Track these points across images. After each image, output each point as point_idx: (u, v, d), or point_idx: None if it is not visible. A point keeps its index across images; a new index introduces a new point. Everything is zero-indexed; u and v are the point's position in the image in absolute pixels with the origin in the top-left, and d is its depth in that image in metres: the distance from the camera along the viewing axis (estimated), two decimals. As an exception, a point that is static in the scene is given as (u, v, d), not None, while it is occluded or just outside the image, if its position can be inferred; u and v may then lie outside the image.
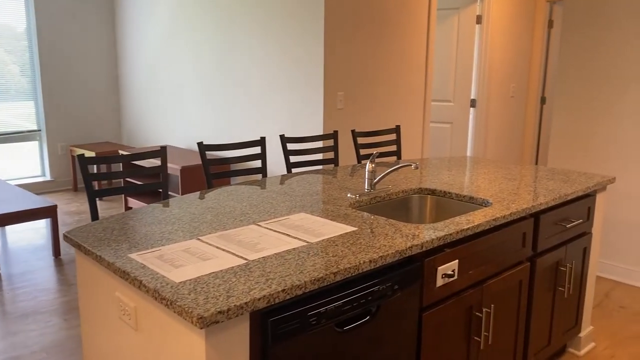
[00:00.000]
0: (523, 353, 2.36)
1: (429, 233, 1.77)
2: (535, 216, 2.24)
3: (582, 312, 2.74)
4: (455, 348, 1.95)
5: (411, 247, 1.65)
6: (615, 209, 3.74)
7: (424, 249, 1.70)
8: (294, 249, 1.59)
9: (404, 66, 4.41)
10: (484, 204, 2.22)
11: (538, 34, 5.82)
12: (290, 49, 4.11)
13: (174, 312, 1.25)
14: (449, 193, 2.34)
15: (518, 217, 2.09)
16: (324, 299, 1.43)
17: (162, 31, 5.53)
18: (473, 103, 5.43)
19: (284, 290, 1.31)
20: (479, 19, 5.22)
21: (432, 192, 2.40)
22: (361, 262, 1.51)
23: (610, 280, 3.77)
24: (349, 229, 1.80)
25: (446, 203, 2.35)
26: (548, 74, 5.97)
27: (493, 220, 1.96)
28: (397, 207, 2.35)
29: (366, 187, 2.32)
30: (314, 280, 1.39)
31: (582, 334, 2.78)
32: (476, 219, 1.94)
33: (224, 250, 1.57)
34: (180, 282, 1.34)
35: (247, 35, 4.49)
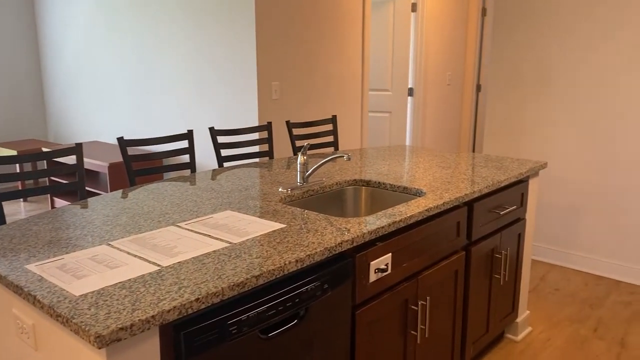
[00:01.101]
0: (461, 343, 2.34)
1: (360, 227, 1.69)
2: (469, 204, 2.21)
3: (519, 298, 2.76)
4: (391, 344, 1.89)
5: (341, 243, 1.57)
6: (548, 193, 3.82)
7: (354, 244, 1.62)
8: (214, 251, 1.47)
9: (340, 55, 4.34)
10: (417, 193, 2.17)
11: (472, 21, 5.89)
12: (221, 38, 3.95)
13: (71, 330, 1.10)
14: (383, 184, 2.27)
15: (451, 206, 2.05)
16: (245, 305, 1.32)
17: (87, 24, 5.21)
18: (411, 92, 5.43)
19: (197, 299, 1.19)
20: (414, 7, 5.20)
21: (367, 183, 2.33)
22: (287, 262, 1.41)
23: (545, 263, 3.85)
24: (277, 226, 1.70)
25: (380, 194, 2.28)
26: (483, 62, 6.06)
27: (426, 210, 1.90)
28: (331, 201, 2.26)
29: (298, 181, 2.22)
30: (233, 285, 1.27)
31: (519, 320, 2.80)
32: (408, 210, 1.87)
33: (135, 256, 1.42)
34: (81, 295, 1.20)
35: (175, 24, 4.28)
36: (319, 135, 3.38)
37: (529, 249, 2.78)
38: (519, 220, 2.63)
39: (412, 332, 1.97)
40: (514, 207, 2.52)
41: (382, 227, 1.71)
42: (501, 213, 2.41)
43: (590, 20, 3.47)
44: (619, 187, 3.49)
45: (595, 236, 3.62)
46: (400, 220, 1.79)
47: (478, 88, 6.11)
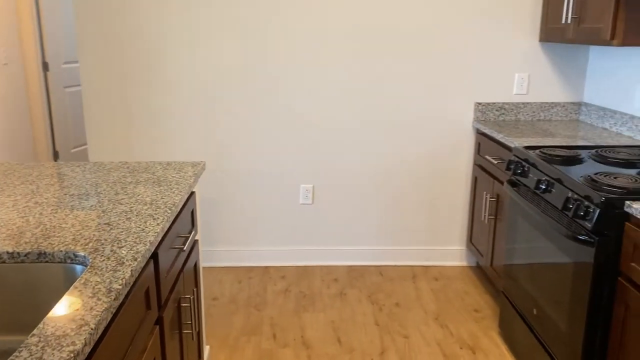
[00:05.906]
0: None
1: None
2: (154, 255, 1.43)
3: (202, 338, 2.16)
4: None
5: None
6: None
7: None
8: None
9: None
10: (71, 259, 1.25)
11: (23, -18, 4.60)
12: None
13: None
14: (-6, 256, 1.23)
15: (140, 271, 1.24)
16: None
17: None
18: (-47, 75, 3.86)
19: None
20: None
21: (-45, 261, 1.23)
22: None
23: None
24: None
25: (-7, 277, 1.24)
26: (46, 32, 4.87)
27: (114, 299, 1.05)
28: None
29: None
30: None
31: (205, 364, 2.21)
32: (70, 325, 0.98)
33: None
34: None
35: None
36: None
37: (201, 273, 2.19)
38: (194, 245, 1.98)
39: None
40: (192, 231, 1.86)
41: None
42: (184, 248, 1.71)
43: (195, -15, 2.98)
44: (251, 174, 3.24)
45: (235, 227, 3.32)
46: (75, 353, 0.89)
47: (45, 66, 4.93)
